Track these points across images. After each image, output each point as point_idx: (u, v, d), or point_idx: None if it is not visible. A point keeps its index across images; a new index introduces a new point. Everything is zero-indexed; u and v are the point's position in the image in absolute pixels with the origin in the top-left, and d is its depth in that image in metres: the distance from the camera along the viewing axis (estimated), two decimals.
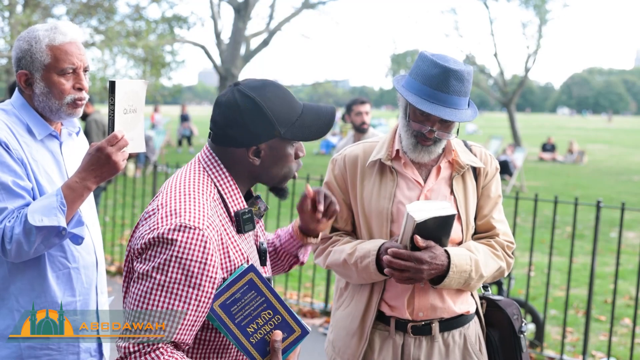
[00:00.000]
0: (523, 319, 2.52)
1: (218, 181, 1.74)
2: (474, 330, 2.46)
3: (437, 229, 2.20)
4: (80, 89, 2.22)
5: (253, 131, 1.70)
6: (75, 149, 2.35)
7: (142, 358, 1.56)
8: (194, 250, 1.58)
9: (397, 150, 2.41)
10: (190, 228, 1.59)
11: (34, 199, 2.11)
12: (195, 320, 1.61)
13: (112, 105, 2.00)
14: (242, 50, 21.09)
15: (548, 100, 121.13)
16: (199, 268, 1.58)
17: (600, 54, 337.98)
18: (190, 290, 1.58)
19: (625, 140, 38.36)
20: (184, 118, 24.82)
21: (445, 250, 2.26)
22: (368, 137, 5.22)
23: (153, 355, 1.56)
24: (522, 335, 2.49)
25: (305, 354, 3.06)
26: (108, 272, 6.79)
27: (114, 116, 2.01)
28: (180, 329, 1.59)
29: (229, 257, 1.68)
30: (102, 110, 9.59)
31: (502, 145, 21.19)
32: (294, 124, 1.74)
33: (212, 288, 1.61)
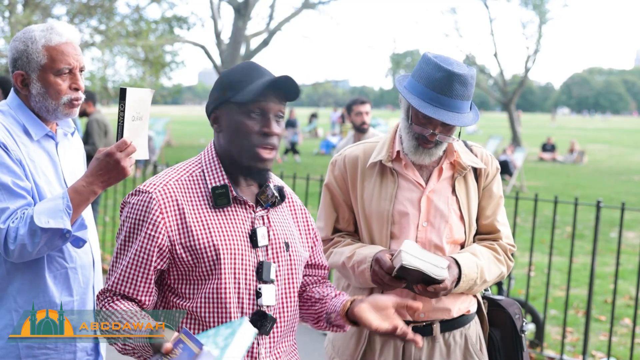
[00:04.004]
0: (524, 319, 2.53)
1: (205, 161, 1.89)
2: (474, 330, 2.46)
3: (419, 277, 2.16)
4: (76, 89, 2.22)
5: (211, 97, 1.88)
6: (70, 149, 2.35)
7: (97, 301, 1.83)
8: (138, 209, 1.80)
9: (398, 152, 2.40)
10: (141, 192, 1.82)
11: (32, 199, 2.11)
12: (135, 275, 1.79)
13: (122, 112, 2.02)
14: (242, 50, 21.09)
15: (548, 100, 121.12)
16: (139, 225, 1.79)
17: (600, 54, 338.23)
18: (129, 244, 1.80)
19: (625, 140, 38.36)
20: (291, 124, 23.09)
21: (455, 260, 2.26)
22: (368, 137, 5.21)
23: (105, 301, 1.81)
24: (523, 335, 2.49)
25: (306, 354, 3.05)
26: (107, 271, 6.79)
27: (123, 123, 2.03)
28: (119, 279, 1.80)
29: (189, 229, 1.79)
30: (103, 110, 9.59)
31: (502, 145, 21.18)
32: (243, 90, 1.81)
33: (152, 246, 1.78)
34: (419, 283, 2.18)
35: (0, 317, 2.14)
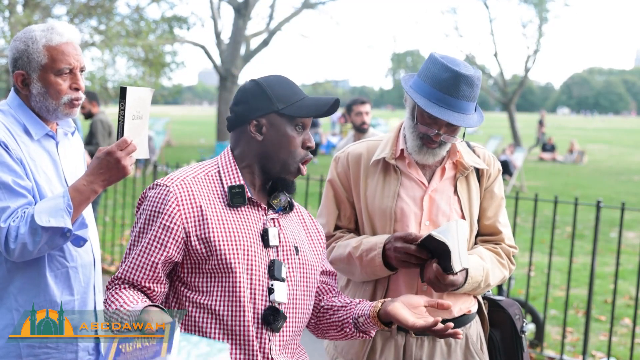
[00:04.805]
0: (524, 319, 2.53)
1: (221, 163, 1.94)
2: (475, 329, 2.46)
3: (438, 253, 2.16)
4: (77, 89, 2.22)
5: (253, 105, 1.90)
6: (71, 149, 2.36)
7: (107, 293, 1.86)
8: (155, 201, 1.85)
9: (402, 150, 2.41)
10: (159, 185, 1.87)
11: (33, 198, 2.11)
12: (145, 264, 1.82)
13: (122, 111, 2.03)
14: (242, 50, 21.10)
15: (548, 100, 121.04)
16: (155, 216, 1.84)
17: (600, 54, 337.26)
18: (143, 234, 1.85)
19: (625, 140, 38.35)
20: (313, 124, 22.46)
21: None
22: (368, 137, 5.20)
23: (112, 288, 1.84)
24: (523, 335, 2.49)
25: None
26: (108, 271, 6.79)
27: (123, 121, 2.03)
28: (129, 267, 1.84)
29: (206, 221, 1.83)
30: (106, 111, 9.59)
31: (502, 145, 21.19)
32: (293, 104, 1.90)
33: (166, 236, 1.82)
34: (434, 259, 2.16)
35: (1, 317, 2.14)
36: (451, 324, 1.87)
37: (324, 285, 2.12)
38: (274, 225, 1.94)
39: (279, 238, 1.93)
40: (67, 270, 2.21)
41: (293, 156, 1.91)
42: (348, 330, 2.02)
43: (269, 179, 1.95)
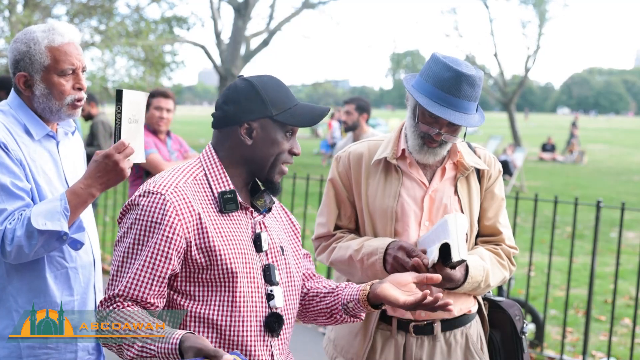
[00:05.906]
0: (524, 320, 2.53)
1: (206, 165, 1.86)
2: (475, 329, 2.47)
3: (440, 251, 2.17)
4: (79, 89, 2.22)
5: (246, 107, 1.82)
6: (71, 148, 2.35)
7: (102, 308, 1.75)
8: (151, 211, 1.74)
9: (403, 150, 2.41)
10: (152, 193, 1.76)
11: (32, 199, 2.11)
12: (150, 278, 1.73)
13: (119, 114, 2.02)
14: (242, 50, 21.07)
15: (548, 100, 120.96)
16: (154, 227, 1.73)
17: (600, 54, 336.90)
18: (140, 247, 1.74)
19: (625, 140, 38.34)
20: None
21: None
22: (367, 137, 5.18)
23: (113, 306, 1.73)
24: (523, 336, 2.49)
25: (305, 354, 3.04)
26: (108, 271, 6.79)
27: (120, 124, 2.03)
28: (131, 283, 1.73)
29: (205, 230, 1.77)
30: (107, 111, 9.58)
31: (502, 145, 21.20)
32: (287, 111, 1.84)
33: (169, 248, 1.73)
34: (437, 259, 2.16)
35: (1, 318, 2.14)
36: (440, 295, 1.84)
37: (305, 271, 2.10)
38: (261, 229, 1.90)
39: (268, 241, 1.90)
40: (66, 271, 2.20)
41: (280, 159, 1.87)
42: (338, 316, 1.99)
43: (252, 180, 1.91)
